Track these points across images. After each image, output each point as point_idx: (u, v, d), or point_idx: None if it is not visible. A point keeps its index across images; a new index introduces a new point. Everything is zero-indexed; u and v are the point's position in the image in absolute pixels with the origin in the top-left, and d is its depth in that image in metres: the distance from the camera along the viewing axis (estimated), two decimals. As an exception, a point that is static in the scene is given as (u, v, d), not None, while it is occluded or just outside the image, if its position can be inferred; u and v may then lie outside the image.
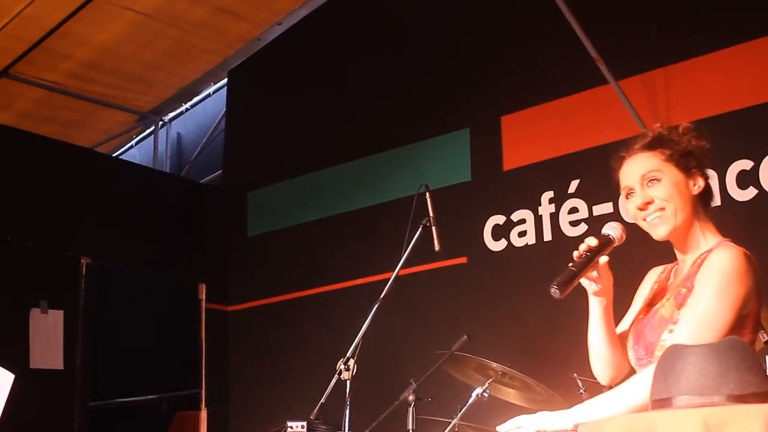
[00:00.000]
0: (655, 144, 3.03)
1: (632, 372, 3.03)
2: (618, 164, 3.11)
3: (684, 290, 2.88)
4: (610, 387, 3.09)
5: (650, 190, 2.96)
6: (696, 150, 3.04)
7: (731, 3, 6.26)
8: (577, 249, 2.95)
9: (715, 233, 3.00)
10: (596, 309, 3.05)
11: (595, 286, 3.00)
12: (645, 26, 6.62)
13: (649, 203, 2.95)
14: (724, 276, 2.77)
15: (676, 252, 3.06)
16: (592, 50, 6.03)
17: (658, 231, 2.96)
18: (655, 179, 2.96)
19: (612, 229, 2.99)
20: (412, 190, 5.08)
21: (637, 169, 3.01)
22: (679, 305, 2.85)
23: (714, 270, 2.80)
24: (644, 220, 2.98)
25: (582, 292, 3.08)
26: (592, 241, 2.93)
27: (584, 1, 6.19)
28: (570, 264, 2.90)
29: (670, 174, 2.96)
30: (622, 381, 3.05)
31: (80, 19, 7.86)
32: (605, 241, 2.95)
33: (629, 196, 3.02)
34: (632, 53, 6.57)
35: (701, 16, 6.39)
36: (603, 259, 2.95)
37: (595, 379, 4.59)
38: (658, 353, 2.79)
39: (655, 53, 6.53)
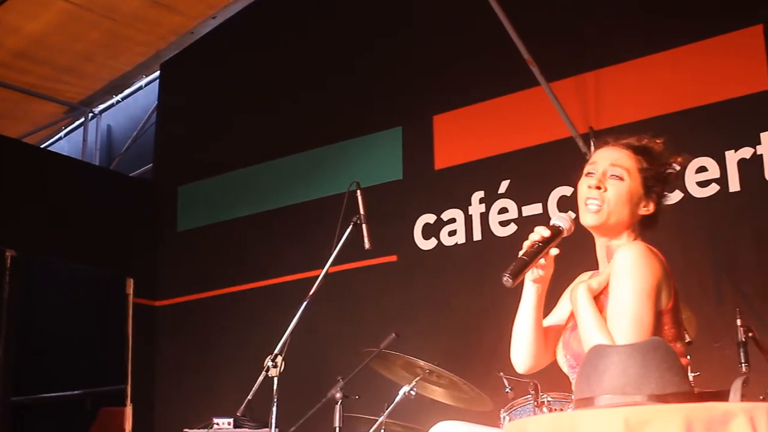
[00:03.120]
0: (640, 150, 3.07)
1: (564, 377, 3.06)
2: (599, 146, 3.14)
3: (602, 296, 2.92)
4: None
5: (608, 182, 3.00)
6: (668, 181, 3.08)
7: (661, 10, 6.34)
8: (528, 238, 2.95)
9: None
10: (531, 296, 3.05)
11: (537, 273, 3.00)
12: (577, 30, 6.70)
13: (599, 188, 2.99)
14: (632, 269, 2.82)
15: (598, 257, 3.11)
16: (525, 52, 6.07)
17: (586, 218, 3.01)
18: (618, 177, 3.00)
19: (562, 220, 2.99)
20: (343, 188, 5.07)
21: (609, 157, 3.05)
22: (600, 310, 2.87)
23: (622, 267, 2.84)
24: (585, 202, 3.01)
25: (509, 292, 3.10)
26: (544, 232, 2.94)
27: (518, 3, 6.24)
28: (521, 253, 2.91)
29: (633, 183, 3.01)
30: (536, 370, 3.14)
31: (10, 8, 7.72)
32: (556, 232, 2.96)
33: (588, 175, 3.05)
34: (564, 56, 6.64)
35: (632, 22, 6.48)
36: (554, 251, 2.96)
37: (522, 378, 4.65)
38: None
39: (587, 57, 6.61)
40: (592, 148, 5.88)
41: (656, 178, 3.04)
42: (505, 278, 2.81)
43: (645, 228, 3.06)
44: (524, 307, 3.08)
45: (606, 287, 2.91)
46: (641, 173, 3.02)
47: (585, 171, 3.08)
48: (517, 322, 3.11)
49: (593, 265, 3.14)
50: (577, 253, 3.11)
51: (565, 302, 3.19)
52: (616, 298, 2.81)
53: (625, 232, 3.02)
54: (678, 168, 3.11)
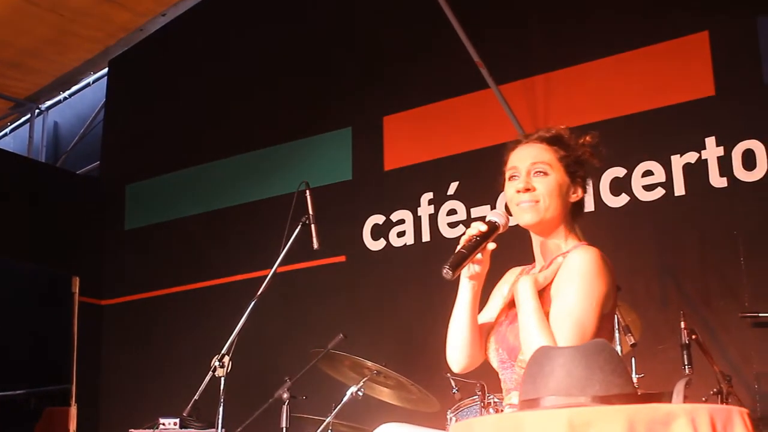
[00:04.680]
0: (554, 141, 3.09)
1: (493, 372, 3.08)
2: (513, 147, 3.15)
3: (544, 293, 2.93)
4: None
5: (535, 180, 3.02)
6: (587, 163, 3.11)
7: (608, 15, 6.41)
8: (465, 233, 2.97)
9: (576, 240, 3.07)
10: (467, 293, 3.06)
11: (473, 269, 3.01)
12: (526, 33, 6.74)
13: (528, 190, 3.01)
14: (586, 276, 2.85)
15: (535, 252, 3.13)
16: (475, 54, 6.11)
17: (525, 217, 3.03)
18: (542, 172, 3.03)
19: (497, 216, 3.03)
20: (292, 188, 5.07)
21: (529, 156, 3.07)
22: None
23: (575, 270, 2.87)
24: (517, 204, 3.04)
25: (456, 294, 3.11)
26: (481, 226, 2.97)
27: (468, 6, 6.27)
28: (460, 246, 2.93)
29: (558, 173, 3.03)
30: (470, 369, 3.14)
31: (-45, 2, 7.63)
32: (492, 227, 2.99)
33: (512, 178, 3.08)
34: (514, 59, 6.69)
35: (581, 26, 6.54)
36: (491, 246, 2.98)
37: (468, 380, 4.67)
38: (522, 357, 2.84)
39: (536, 60, 6.66)
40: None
41: (576, 163, 3.08)
42: (445, 270, 2.83)
43: (576, 215, 3.10)
44: (460, 305, 3.08)
45: (550, 283, 2.93)
46: (562, 162, 3.05)
47: (507, 175, 3.11)
48: (453, 321, 3.11)
49: (523, 261, 3.18)
50: (509, 250, 3.13)
51: (496, 299, 3.21)
52: (564, 299, 2.84)
53: (561, 225, 3.06)
54: (591, 148, 3.14)
